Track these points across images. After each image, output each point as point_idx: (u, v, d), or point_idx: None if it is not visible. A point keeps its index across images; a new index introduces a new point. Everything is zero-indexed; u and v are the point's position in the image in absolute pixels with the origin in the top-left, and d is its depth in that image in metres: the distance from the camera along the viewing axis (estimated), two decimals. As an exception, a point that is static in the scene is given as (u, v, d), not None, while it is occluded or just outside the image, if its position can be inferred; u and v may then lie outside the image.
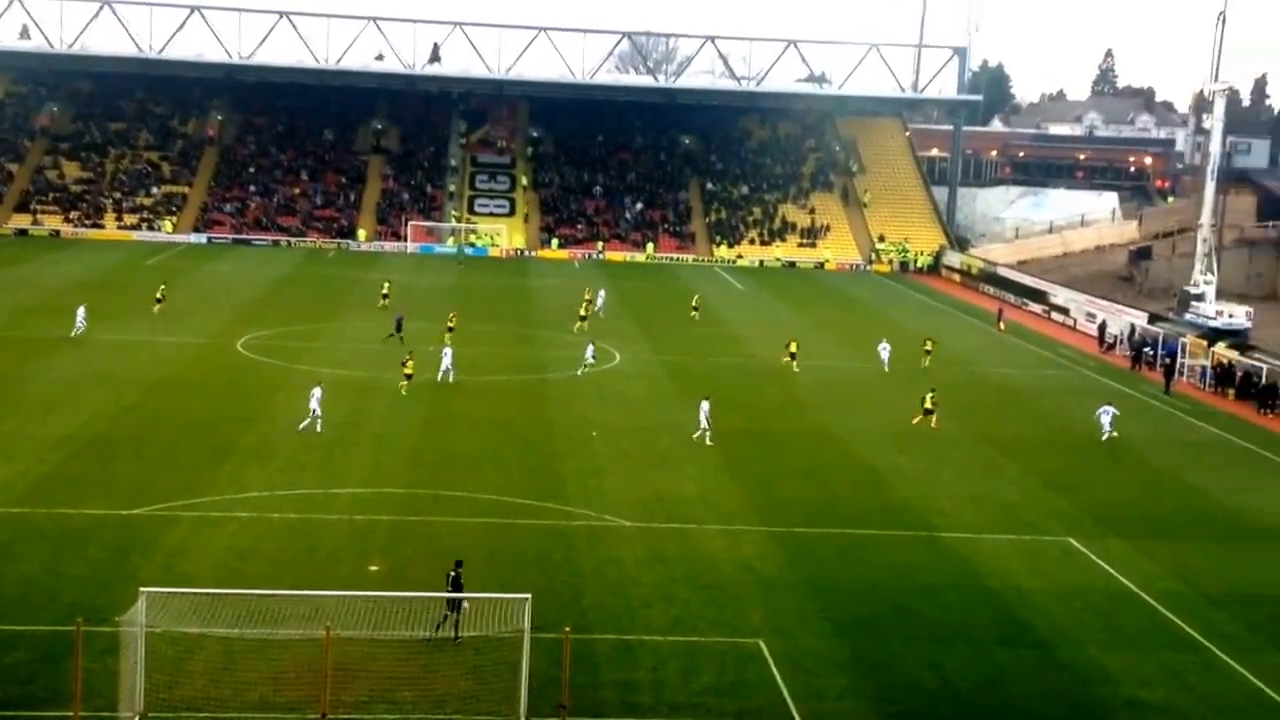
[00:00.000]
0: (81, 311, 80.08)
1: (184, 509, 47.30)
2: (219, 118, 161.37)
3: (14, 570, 40.54)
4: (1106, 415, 67.41)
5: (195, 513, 47.00)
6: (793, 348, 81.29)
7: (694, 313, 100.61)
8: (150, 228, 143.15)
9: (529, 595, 32.98)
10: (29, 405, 62.44)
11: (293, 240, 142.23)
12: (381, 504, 49.25)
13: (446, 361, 72.16)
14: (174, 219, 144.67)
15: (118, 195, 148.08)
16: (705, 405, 61.94)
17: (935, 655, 37.68)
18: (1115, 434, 66.58)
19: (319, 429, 59.35)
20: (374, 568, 42.16)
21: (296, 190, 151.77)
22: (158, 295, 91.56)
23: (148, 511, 46.81)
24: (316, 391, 60.52)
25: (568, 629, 33.27)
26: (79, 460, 53.57)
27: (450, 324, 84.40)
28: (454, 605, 35.81)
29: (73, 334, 78.45)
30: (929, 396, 67.91)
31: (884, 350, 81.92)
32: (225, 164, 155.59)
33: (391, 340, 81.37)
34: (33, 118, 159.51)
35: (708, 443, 60.75)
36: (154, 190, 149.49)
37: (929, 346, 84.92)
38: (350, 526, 46.43)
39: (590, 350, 76.38)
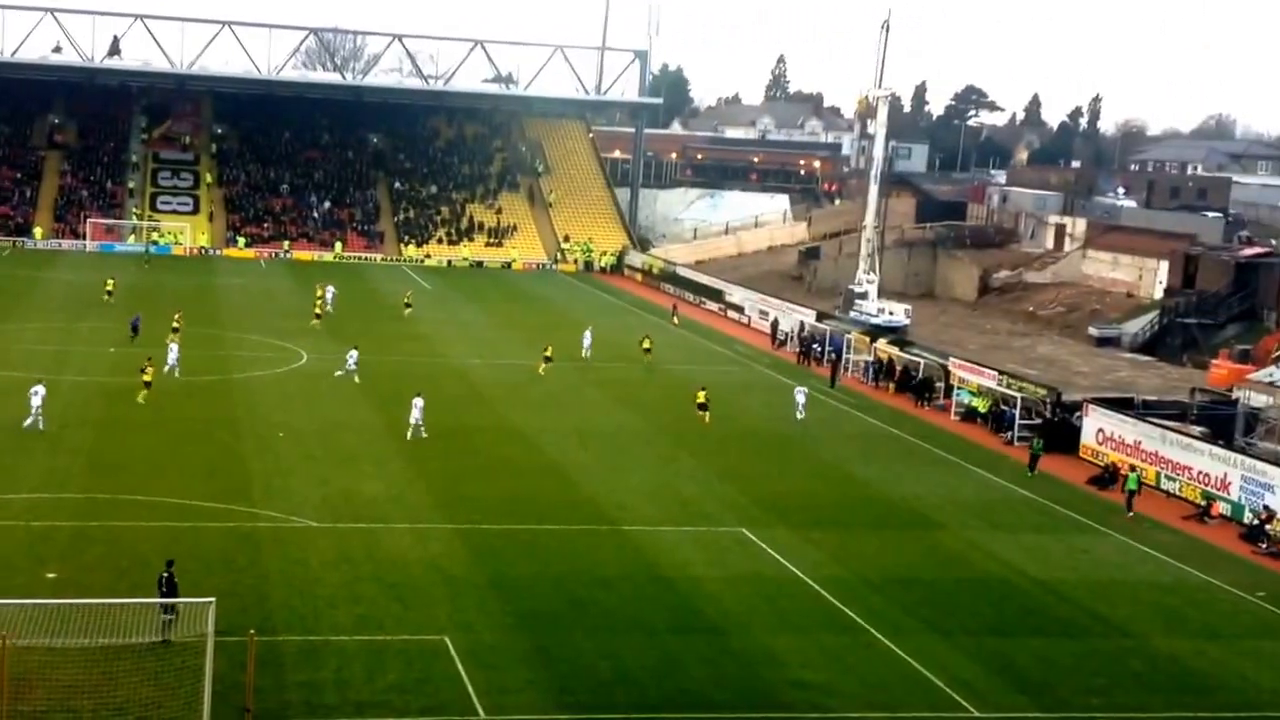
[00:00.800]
0: None
1: None
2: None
3: None
4: (801, 395, 73.80)
5: None
6: (548, 351, 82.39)
7: (407, 309, 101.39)
8: None
9: (213, 599, 33.18)
10: None
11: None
12: (59, 509, 48.45)
13: (173, 358, 72.60)
14: None
15: None
16: (419, 402, 63.03)
17: (613, 645, 39.10)
18: (805, 416, 71.77)
19: (41, 426, 58.79)
20: (51, 575, 41.45)
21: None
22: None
23: None
24: (39, 389, 59.81)
25: (252, 632, 33.57)
26: None
27: (176, 324, 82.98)
28: (169, 607, 35.84)
29: None
30: (701, 393, 71.34)
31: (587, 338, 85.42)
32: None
33: (131, 343, 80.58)
34: None
35: (422, 435, 61.99)
36: None
37: (647, 345, 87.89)
38: (26, 532, 45.63)
39: (353, 357, 75.56)
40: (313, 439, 61.39)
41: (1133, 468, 62.25)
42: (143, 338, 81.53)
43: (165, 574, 37.27)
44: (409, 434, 62.48)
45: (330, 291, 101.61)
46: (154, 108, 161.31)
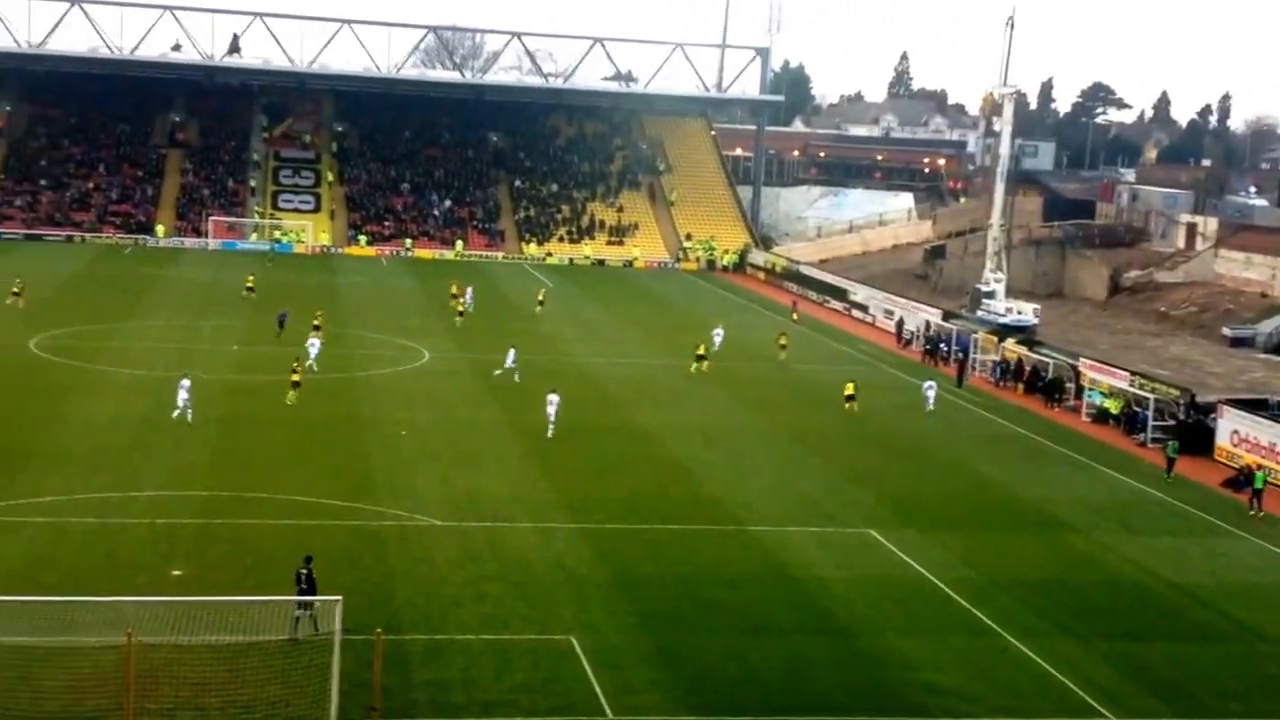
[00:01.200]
0: None
1: (-24, 516, 45.94)
2: (7, 109, 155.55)
3: None
4: (931, 390, 74.57)
5: (-11, 519, 45.72)
6: (701, 349, 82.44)
7: (539, 306, 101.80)
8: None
9: (340, 597, 33.02)
10: None
11: (87, 236, 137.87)
12: (183, 507, 48.55)
13: (313, 354, 74.43)
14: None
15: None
16: (554, 398, 63.09)
17: (739, 646, 38.41)
18: (935, 409, 72.43)
19: (190, 419, 59.68)
20: (176, 572, 41.43)
21: (91, 184, 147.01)
22: (15, 289, 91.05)
23: (-62, 518, 45.37)
24: (185, 382, 60.71)
25: (379, 630, 33.20)
26: None
27: (317, 321, 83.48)
28: (304, 604, 35.77)
29: None
30: (850, 385, 73.35)
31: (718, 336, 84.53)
32: (15, 157, 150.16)
33: (276, 338, 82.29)
34: None
35: (548, 434, 61.86)
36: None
37: (783, 341, 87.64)
38: (150, 531, 45.67)
39: (511, 355, 75.45)
40: (436, 437, 61.23)
41: (1259, 466, 60.64)
42: (286, 333, 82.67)
43: (304, 570, 37.13)
44: (549, 431, 62.27)
45: (469, 292, 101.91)
46: (274, 106, 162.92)
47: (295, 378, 66.85)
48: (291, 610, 35.73)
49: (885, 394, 79.32)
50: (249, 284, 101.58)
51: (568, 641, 37.66)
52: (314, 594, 36.30)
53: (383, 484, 53.02)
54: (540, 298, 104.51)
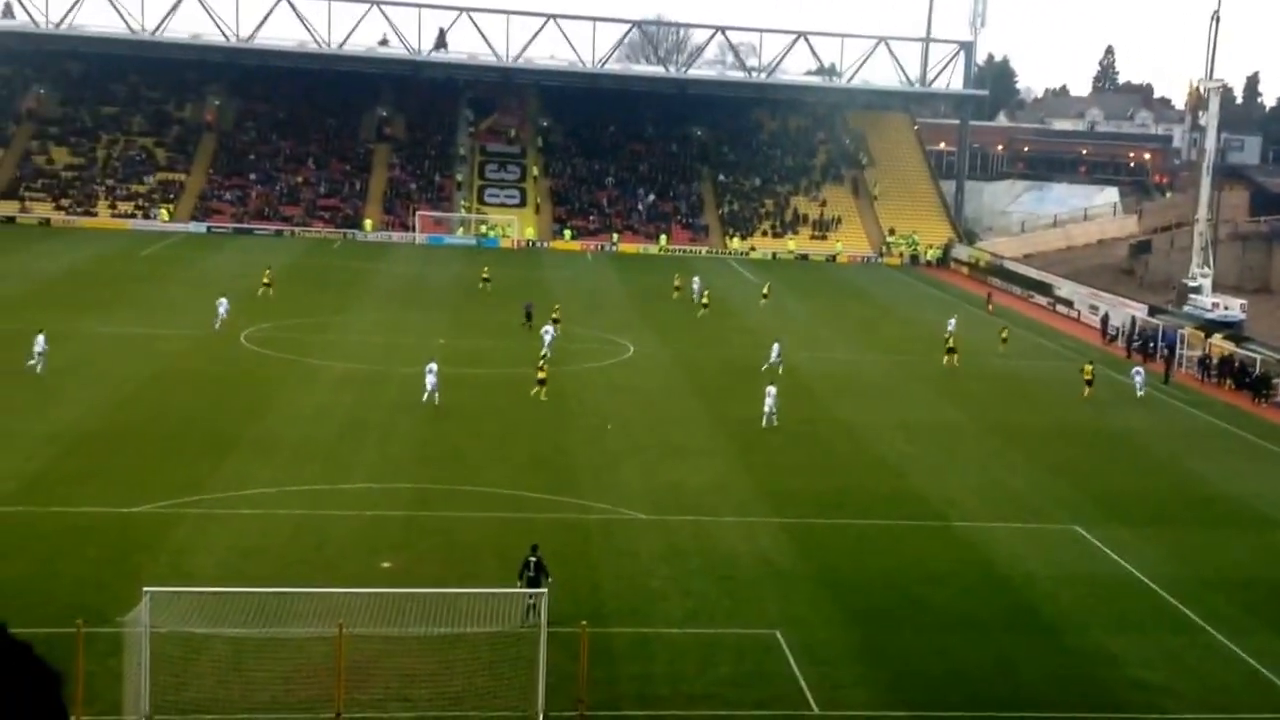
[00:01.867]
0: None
1: (186, 506, 46.94)
2: (216, 103, 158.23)
3: (8, 570, 39.59)
4: (1139, 376, 76.45)
5: (198, 510, 46.65)
6: (951, 343, 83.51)
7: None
8: (146, 216, 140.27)
9: (545, 590, 33.53)
10: (21, 400, 61.63)
11: (296, 230, 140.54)
12: (391, 499, 49.27)
13: (547, 340, 77.77)
14: (170, 207, 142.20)
15: (110, 182, 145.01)
16: (772, 390, 64.14)
17: (945, 643, 38.28)
18: (1145, 394, 75.36)
19: (437, 401, 63.51)
20: (386, 564, 42.01)
21: (299, 179, 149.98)
22: (265, 280, 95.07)
23: (149, 509, 46.37)
24: (433, 366, 64.89)
25: (584, 623, 33.46)
26: (74, 456, 52.78)
27: (556, 315, 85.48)
28: (534, 586, 36.55)
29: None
30: (1088, 368, 76.90)
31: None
32: (224, 151, 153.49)
33: (522, 329, 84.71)
34: (18, 100, 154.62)
35: (774, 424, 62.76)
36: (148, 178, 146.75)
37: (1005, 335, 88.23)
38: (359, 522, 46.37)
39: (776, 350, 76.51)
40: (640, 431, 61.65)
41: None
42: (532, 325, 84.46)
43: (533, 558, 37.76)
44: (764, 422, 62.82)
45: (696, 281, 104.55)
46: (480, 101, 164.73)
47: (541, 375, 67.67)
48: (524, 599, 36.19)
49: (1088, 388, 78.22)
50: (484, 275, 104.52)
51: (773, 636, 37.73)
52: (546, 577, 37.20)
53: (587, 478, 53.52)
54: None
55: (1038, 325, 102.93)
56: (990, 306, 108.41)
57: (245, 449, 55.01)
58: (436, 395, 63.86)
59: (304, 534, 44.87)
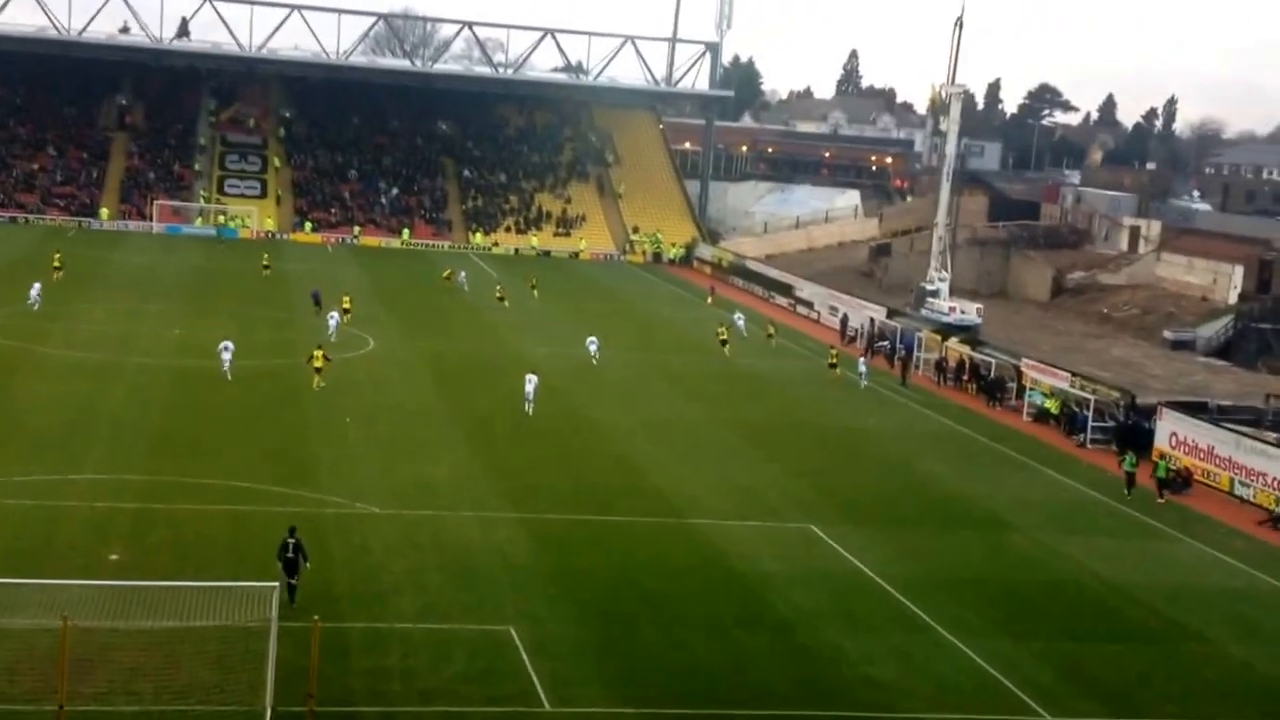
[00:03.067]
0: None
1: (-89, 497, 45.56)
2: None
3: None
4: (863, 368, 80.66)
5: (-77, 501, 45.31)
6: (723, 334, 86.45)
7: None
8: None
9: (276, 584, 32.97)
10: None
11: (31, 218, 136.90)
12: (122, 491, 48.26)
13: (333, 325, 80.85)
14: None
15: None
16: (532, 378, 66.18)
17: (681, 639, 38.46)
18: (867, 385, 79.50)
19: (229, 377, 66.46)
20: (114, 556, 41.26)
21: (36, 166, 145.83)
22: (55, 264, 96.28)
23: (-126, 500, 44.99)
24: (228, 344, 68.56)
25: (316, 617, 32.95)
26: None
27: (346, 305, 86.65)
28: (292, 571, 37.95)
29: None
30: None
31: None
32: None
33: (316, 315, 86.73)
34: None
35: (528, 411, 64.86)
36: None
37: (771, 330, 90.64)
38: (88, 514, 45.39)
39: (594, 344, 77.75)
40: (380, 425, 61.08)
41: (1163, 455, 63.03)
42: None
43: (291, 540, 38.49)
44: (528, 407, 65.04)
45: (463, 274, 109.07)
46: (222, 90, 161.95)
47: (317, 364, 67.95)
48: (283, 580, 36.73)
49: (827, 389, 79.69)
50: (265, 263, 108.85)
51: (507, 632, 37.55)
52: (304, 560, 38.53)
53: (325, 470, 52.88)
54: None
55: (779, 325, 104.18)
56: (710, 299, 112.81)
57: (-29, 440, 53.27)
58: (229, 373, 67.01)
59: (31, 526, 43.77)
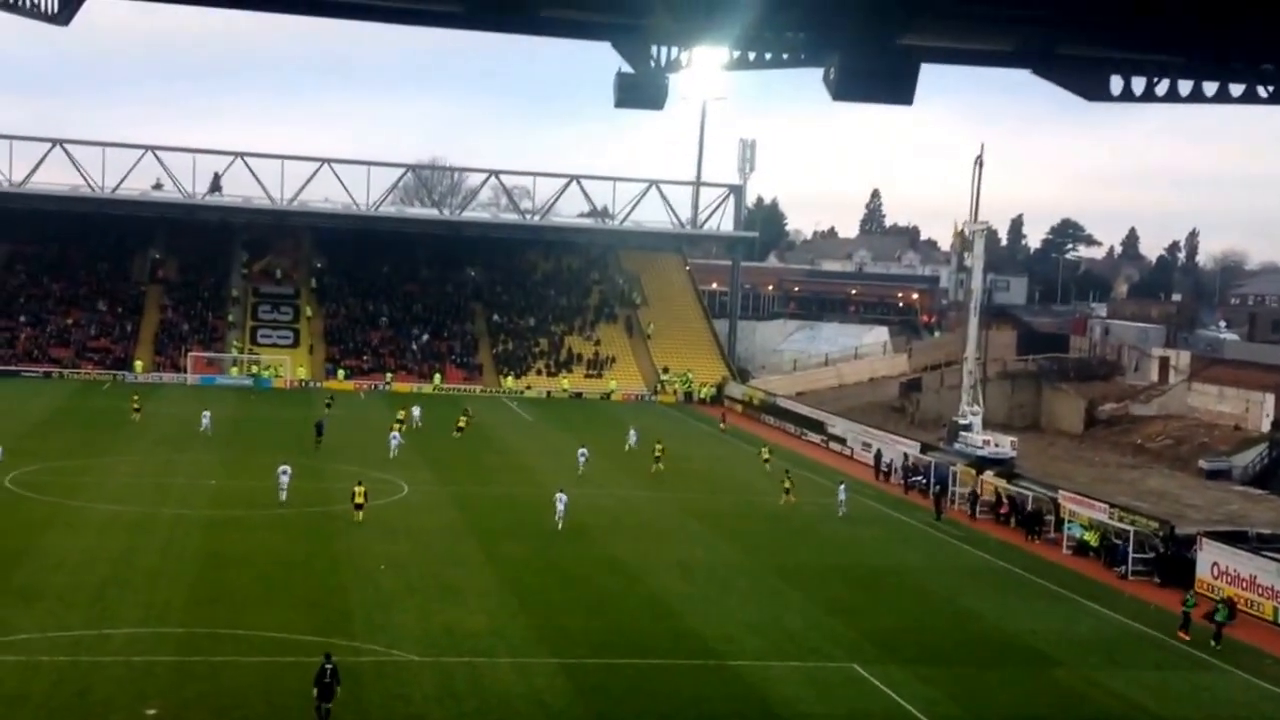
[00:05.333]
0: None
1: (-51, 654, 45.33)
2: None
3: None
4: (843, 494, 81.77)
5: (-40, 657, 45.08)
6: (788, 482, 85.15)
7: (657, 464, 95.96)
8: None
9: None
10: None
11: (65, 372, 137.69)
12: (158, 644, 47.93)
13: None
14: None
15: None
16: (562, 496, 71.99)
17: (724, 785, 37.94)
18: (845, 511, 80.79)
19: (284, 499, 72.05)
20: (151, 711, 40.87)
21: (69, 320, 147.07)
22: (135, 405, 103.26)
23: (-90, 657, 44.82)
24: (286, 469, 74.68)
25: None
26: None
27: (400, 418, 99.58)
28: (327, 696, 39.94)
29: None
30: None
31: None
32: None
33: (315, 446, 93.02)
34: None
35: (558, 528, 70.28)
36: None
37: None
38: (126, 668, 44.99)
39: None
40: (415, 571, 60.71)
41: (1227, 601, 60.44)
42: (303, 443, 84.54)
43: (328, 666, 40.40)
44: (558, 523, 70.68)
45: (416, 411, 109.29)
46: (254, 243, 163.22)
47: (358, 500, 70.44)
48: (319, 705, 39.57)
49: (865, 527, 79.21)
50: (328, 400, 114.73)
51: (549, 780, 37.07)
52: (337, 687, 40.38)
53: (360, 619, 52.46)
54: (460, 423, 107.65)
55: (810, 462, 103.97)
56: (723, 425, 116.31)
57: (8, 596, 53.16)
58: (285, 493, 73.27)
59: (67, 682, 43.35)
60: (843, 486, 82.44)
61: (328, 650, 42.32)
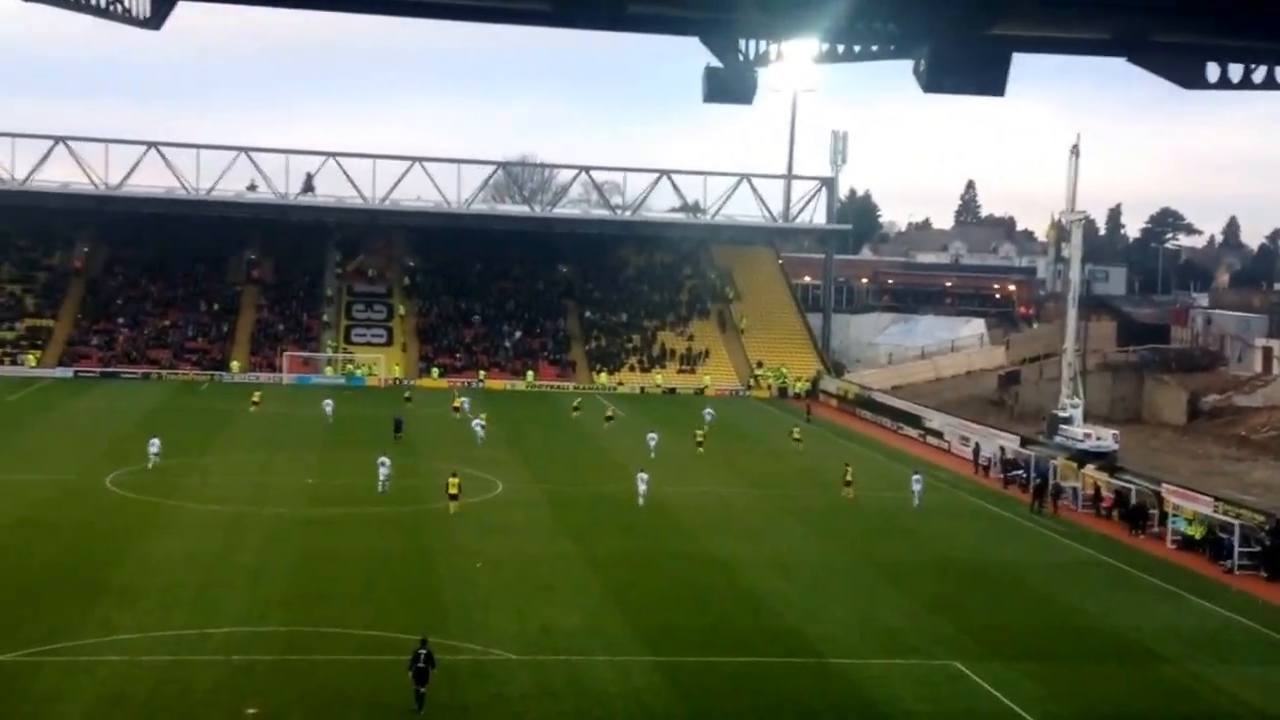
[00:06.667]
0: None
1: (50, 654, 45.75)
2: (85, 249, 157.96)
3: None
4: (918, 485, 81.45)
5: (62, 658, 45.47)
6: (848, 475, 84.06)
7: (796, 442, 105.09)
8: (13, 362, 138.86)
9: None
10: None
11: (163, 373, 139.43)
12: (258, 643, 48.10)
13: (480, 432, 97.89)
14: (38, 353, 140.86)
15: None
16: (644, 476, 76.58)
17: (826, 785, 37.47)
18: (921, 503, 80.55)
19: (385, 490, 75.80)
20: (252, 711, 40.96)
21: (167, 322, 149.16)
22: (255, 400, 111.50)
23: (12, 658, 45.20)
24: (385, 460, 77.38)
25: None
26: (-64, 606, 51.34)
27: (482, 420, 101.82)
28: (423, 680, 41.15)
29: None
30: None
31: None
32: (92, 296, 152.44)
33: (395, 441, 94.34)
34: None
35: (639, 503, 74.74)
36: (17, 324, 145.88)
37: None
38: (226, 667, 45.20)
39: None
40: (510, 569, 60.59)
41: None
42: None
43: (423, 650, 41.69)
44: (640, 501, 75.06)
45: (466, 402, 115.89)
46: (347, 242, 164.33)
47: (452, 490, 72.31)
48: (414, 689, 41.00)
49: (964, 521, 78.39)
50: (455, 404, 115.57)
51: (649, 780, 36.76)
52: (433, 670, 41.50)
53: (457, 618, 52.37)
54: (796, 435, 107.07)
55: (909, 457, 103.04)
56: (809, 417, 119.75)
57: (111, 595, 53.56)
58: (387, 485, 76.07)
59: (169, 681, 43.59)
60: (917, 477, 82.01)
61: (424, 636, 43.43)
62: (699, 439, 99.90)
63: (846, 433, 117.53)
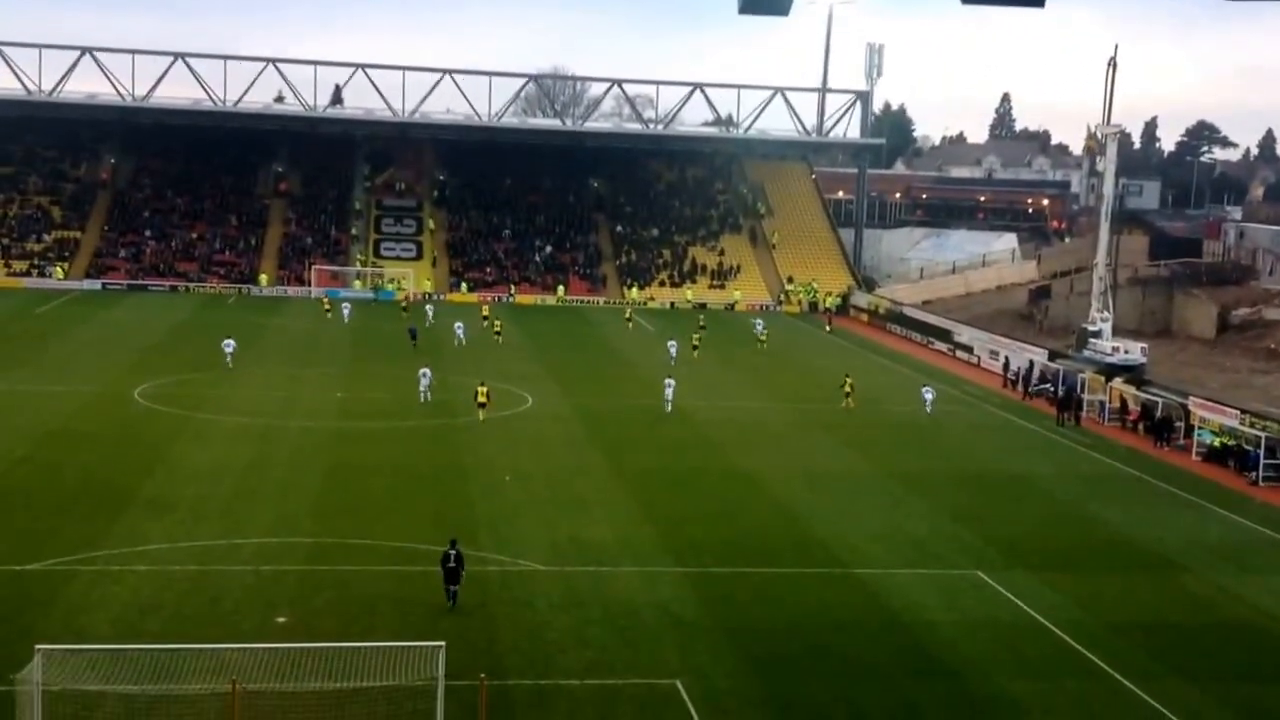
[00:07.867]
0: None
1: (81, 563, 46.23)
2: (112, 161, 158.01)
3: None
4: (929, 394, 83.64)
5: (93, 567, 45.94)
6: (848, 386, 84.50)
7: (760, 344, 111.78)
8: (41, 274, 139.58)
9: (443, 643, 32.82)
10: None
11: (191, 286, 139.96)
12: (287, 554, 48.56)
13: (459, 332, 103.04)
14: (65, 265, 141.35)
15: (5, 241, 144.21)
16: (671, 381, 79.95)
17: (849, 691, 37.87)
18: (933, 410, 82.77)
19: (429, 398, 77.86)
20: (281, 619, 41.47)
21: (194, 235, 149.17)
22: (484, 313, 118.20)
23: (43, 566, 45.74)
24: (426, 371, 79.91)
25: (483, 676, 33.06)
26: (-32, 515, 51.97)
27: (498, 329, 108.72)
28: (453, 579, 42.78)
29: None
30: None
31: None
32: (119, 208, 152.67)
33: (413, 349, 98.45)
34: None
35: (667, 410, 77.71)
36: (45, 236, 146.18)
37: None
38: (255, 577, 45.66)
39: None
40: (540, 482, 61.04)
41: None
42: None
43: (453, 551, 43.19)
44: (667, 407, 78.25)
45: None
46: (376, 155, 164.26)
47: (481, 399, 74.31)
48: (445, 587, 42.78)
49: (991, 434, 78.63)
50: (484, 313, 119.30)
51: (673, 686, 37.20)
52: (462, 570, 42.96)
53: (485, 530, 52.78)
54: (696, 338, 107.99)
55: (938, 371, 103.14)
56: (829, 328, 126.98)
57: (140, 506, 54.12)
58: (429, 394, 78.50)
59: (199, 590, 44.08)
60: (927, 388, 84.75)
61: (453, 537, 45.05)
62: (694, 343, 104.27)
63: (874, 346, 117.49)
